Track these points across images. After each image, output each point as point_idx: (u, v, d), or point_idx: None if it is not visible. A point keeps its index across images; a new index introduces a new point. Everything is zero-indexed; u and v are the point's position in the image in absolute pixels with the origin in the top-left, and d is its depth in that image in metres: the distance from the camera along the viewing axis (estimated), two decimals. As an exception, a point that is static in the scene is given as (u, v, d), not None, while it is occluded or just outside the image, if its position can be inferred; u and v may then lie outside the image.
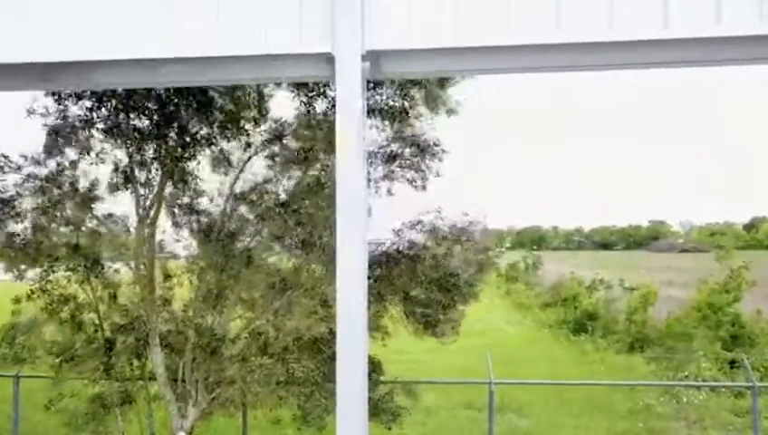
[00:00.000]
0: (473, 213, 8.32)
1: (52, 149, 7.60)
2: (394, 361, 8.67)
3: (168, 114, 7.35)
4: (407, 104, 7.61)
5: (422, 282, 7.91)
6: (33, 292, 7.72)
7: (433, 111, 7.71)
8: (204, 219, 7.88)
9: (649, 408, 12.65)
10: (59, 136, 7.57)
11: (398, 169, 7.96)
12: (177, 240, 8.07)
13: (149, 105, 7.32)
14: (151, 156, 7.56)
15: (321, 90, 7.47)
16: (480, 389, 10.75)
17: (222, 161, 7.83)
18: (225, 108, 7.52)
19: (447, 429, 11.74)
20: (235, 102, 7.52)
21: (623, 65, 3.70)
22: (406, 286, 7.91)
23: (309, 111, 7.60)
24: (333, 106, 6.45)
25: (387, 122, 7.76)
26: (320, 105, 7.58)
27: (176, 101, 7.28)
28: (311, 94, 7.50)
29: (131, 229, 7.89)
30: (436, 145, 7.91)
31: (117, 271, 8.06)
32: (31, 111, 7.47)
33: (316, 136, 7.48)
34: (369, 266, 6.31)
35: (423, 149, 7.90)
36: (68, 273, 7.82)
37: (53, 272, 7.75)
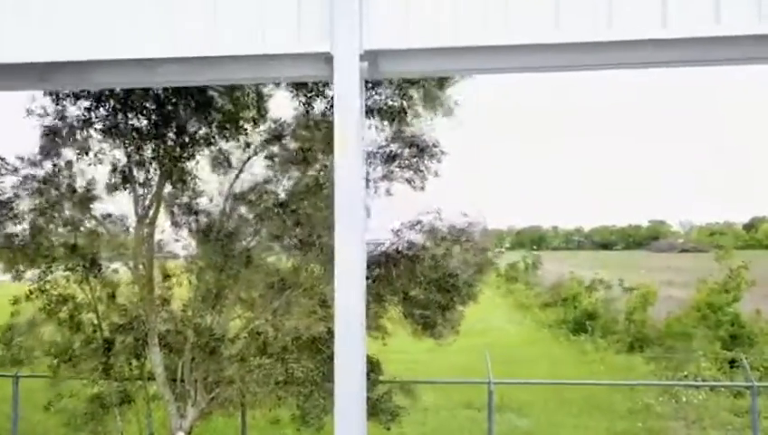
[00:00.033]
0: (472, 213, 8.32)
1: (49, 149, 7.59)
2: (393, 360, 8.66)
3: (167, 114, 7.35)
4: (405, 104, 7.61)
5: (421, 282, 7.90)
6: (31, 292, 7.71)
7: (432, 111, 7.71)
8: (203, 219, 7.88)
9: (649, 407, 12.65)
10: (57, 136, 7.56)
11: (397, 170, 7.95)
12: (176, 240, 8.07)
13: (148, 105, 7.31)
14: (150, 156, 7.55)
15: (321, 90, 7.47)
16: (479, 388, 10.75)
17: (222, 161, 7.83)
18: (224, 108, 7.52)
19: (447, 428, 11.74)
20: (234, 102, 7.51)
21: (622, 65, 3.70)
22: (405, 287, 7.90)
23: (307, 112, 7.60)
24: (332, 106, 6.44)
25: (386, 122, 7.76)
26: (318, 105, 7.59)
27: (174, 100, 7.27)
28: (309, 94, 7.49)
29: (130, 229, 7.89)
30: (435, 146, 7.91)
31: (116, 271, 8.05)
32: (30, 112, 7.47)
33: (315, 136, 7.48)
34: (369, 267, 6.31)
35: (422, 149, 7.89)
36: (67, 273, 7.81)
37: (52, 272, 7.75)
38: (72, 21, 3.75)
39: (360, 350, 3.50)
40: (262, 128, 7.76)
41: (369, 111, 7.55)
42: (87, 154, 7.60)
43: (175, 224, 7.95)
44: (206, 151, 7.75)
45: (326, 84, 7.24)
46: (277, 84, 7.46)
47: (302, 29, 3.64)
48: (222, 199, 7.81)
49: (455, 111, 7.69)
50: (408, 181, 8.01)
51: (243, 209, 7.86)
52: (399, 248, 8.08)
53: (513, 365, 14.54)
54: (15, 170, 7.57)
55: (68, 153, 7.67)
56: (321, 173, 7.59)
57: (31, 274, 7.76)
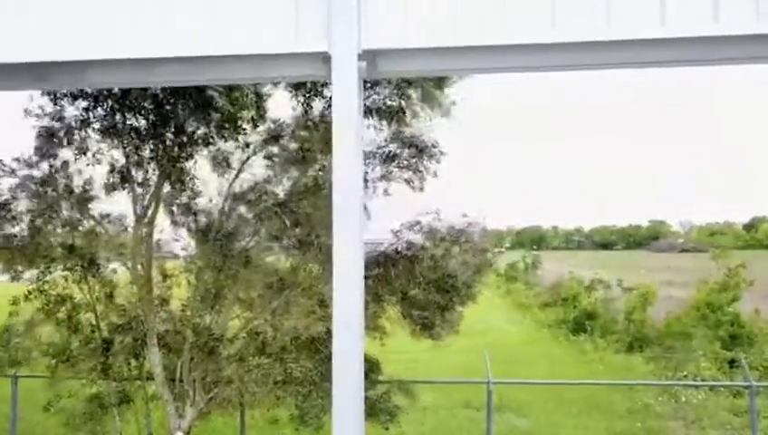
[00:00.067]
0: (471, 214, 8.32)
1: (47, 149, 7.58)
2: (392, 360, 8.66)
3: (165, 114, 7.34)
4: (404, 104, 7.60)
5: (420, 283, 7.90)
6: (30, 292, 7.70)
7: (430, 110, 7.70)
8: (202, 219, 7.87)
9: (648, 407, 12.65)
10: (55, 136, 7.56)
11: (396, 170, 7.95)
12: (174, 240, 8.07)
13: (146, 105, 7.31)
14: (148, 156, 7.55)
15: (319, 90, 7.46)
16: (479, 388, 10.75)
17: (220, 161, 7.82)
18: (223, 108, 7.51)
19: (446, 428, 11.73)
20: (233, 102, 7.50)
21: (620, 64, 3.69)
22: (404, 287, 7.90)
23: (306, 112, 7.60)
24: (330, 106, 6.44)
25: (384, 122, 7.75)
26: (317, 105, 7.58)
27: (172, 100, 7.26)
28: (308, 94, 7.49)
29: (129, 229, 7.88)
30: (434, 146, 7.90)
31: (114, 271, 8.05)
32: (28, 112, 7.47)
33: (313, 136, 7.47)
34: (367, 267, 6.30)
35: (421, 149, 7.89)
36: (65, 273, 7.80)
37: (50, 272, 7.74)
38: (70, 20, 3.75)
39: (357, 349, 3.49)
40: (261, 128, 7.76)
41: (368, 111, 7.55)
42: (85, 154, 7.60)
43: (174, 224, 7.95)
44: (205, 151, 7.74)
45: (324, 84, 7.24)
46: (276, 84, 7.45)
47: (299, 29, 3.63)
48: (221, 199, 7.80)
49: (453, 110, 7.69)
50: (407, 182, 8.01)
51: (242, 209, 7.86)
52: (398, 249, 8.08)
53: (513, 365, 14.55)
54: (12, 172, 7.56)
55: (66, 153, 7.67)
56: (320, 173, 7.59)
57: (29, 274, 7.75)
